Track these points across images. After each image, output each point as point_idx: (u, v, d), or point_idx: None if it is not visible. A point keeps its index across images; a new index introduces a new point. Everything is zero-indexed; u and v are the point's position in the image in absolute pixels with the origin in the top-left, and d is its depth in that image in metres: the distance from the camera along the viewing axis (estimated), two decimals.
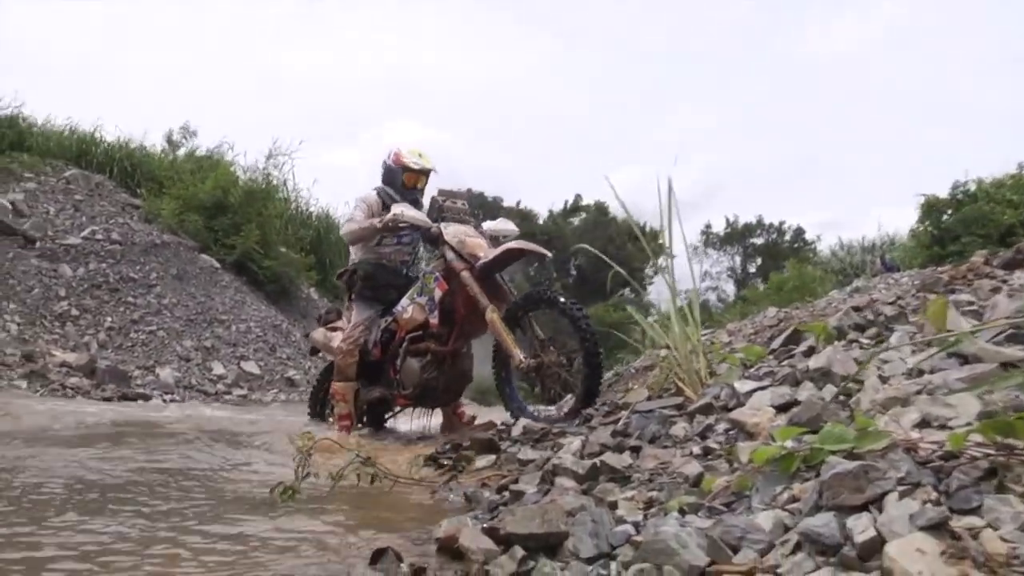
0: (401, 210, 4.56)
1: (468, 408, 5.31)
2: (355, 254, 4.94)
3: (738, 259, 43.28)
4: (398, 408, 5.02)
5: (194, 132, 16.27)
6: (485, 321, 4.45)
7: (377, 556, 1.56)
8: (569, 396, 4.01)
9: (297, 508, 2.23)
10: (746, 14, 78.18)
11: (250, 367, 10.21)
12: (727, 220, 43.15)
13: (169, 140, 16.05)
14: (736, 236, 42.72)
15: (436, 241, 4.55)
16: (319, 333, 5.29)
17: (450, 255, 4.42)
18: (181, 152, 16.01)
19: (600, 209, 38.98)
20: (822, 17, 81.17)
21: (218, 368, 9.81)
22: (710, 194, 63.61)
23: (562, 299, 3.94)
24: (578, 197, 41.63)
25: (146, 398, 7.73)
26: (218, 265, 12.30)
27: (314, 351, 5.84)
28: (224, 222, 12.90)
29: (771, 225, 42.32)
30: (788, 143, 75.02)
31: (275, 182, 15.13)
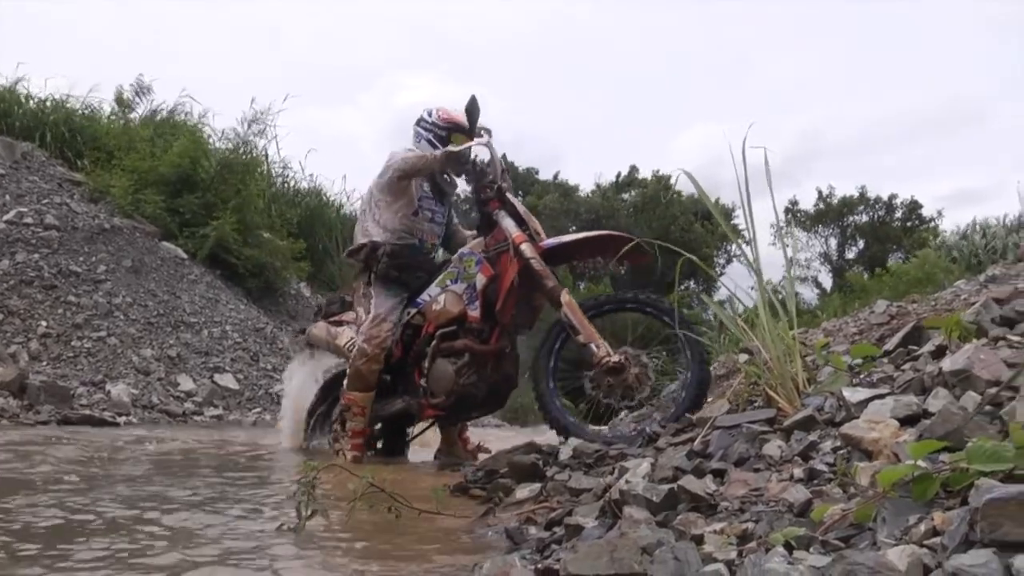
0: (489, 140, 4.64)
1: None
2: (373, 228, 4.88)
3: (833, 242, 42.84)
4: (426, 423, 5.01)
5: (148, 87, 16.11)
6: (535, 310, 4.51)
7: None
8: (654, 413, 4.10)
9: (300, 554, 2.24)
10: None
11: (226, 381, 10.31)
12: (819, 193, 42.72)
13: (119, 99, 15.91)
14: (831, 213, 42.24)
15: (487, 203, 4.56)
16: (320, 328, 5.23)
17: (507, 223, 4.43)
18: (137, 114, 15.95)
19: (661, 182, 38.79)
20: None
21: (186, 383, 9.91)
22: (806, 160, 62.99)
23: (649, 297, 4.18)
24: (634, 169, 41.43)
25: (96, 422, 7.66)
26: (185, 255, 12.36)
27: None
28: (192, 202, 12.97)
29: (877, 199, 41.79)
30: (908, 95, 73.96)
31: (257, 152, 15.12)
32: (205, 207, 12.98)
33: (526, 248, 4.28)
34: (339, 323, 5.15)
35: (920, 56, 73.02)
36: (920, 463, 1.53)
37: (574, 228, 38.13)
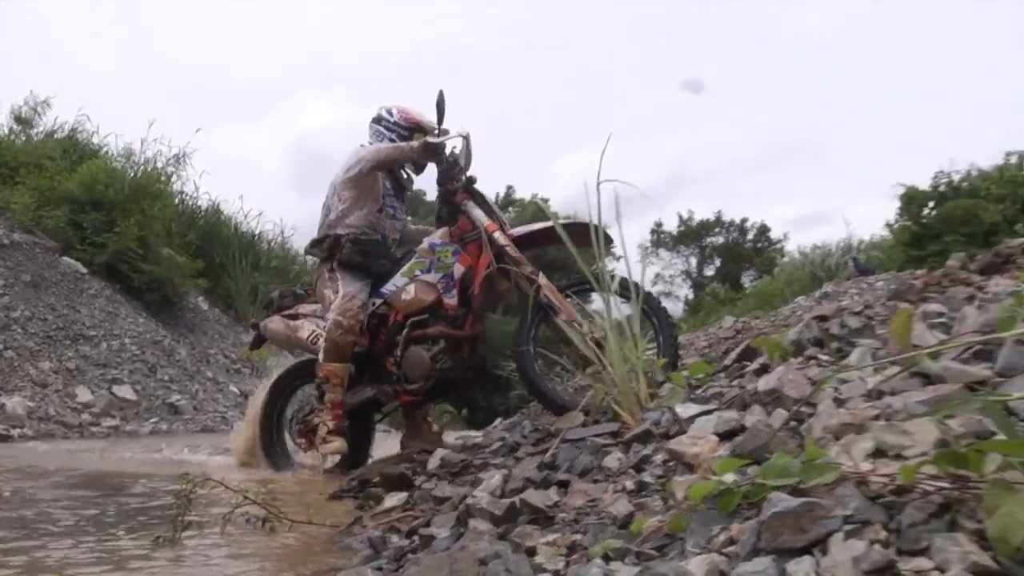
0: (468, 133, 4.54)
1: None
2: (335, 224, 4.71)
3: (694, 260, 44.12)
4: (396, 405, 4.77)
5: (44, 103, 15.47)
6: (499, 295, 4.45)
7: None
8: None
9: (165, 566, 2.18)
10: None
11: (124, 392, 9.95)
12: (680, 217, 43.97)
13: (17, 117, 15.22)
14: (691, 235, 43.50)
15: (454, 194, 4.45)
16: (277, 323, 4.90)
17: (477, 212, 4.35)
18: (38, 131, 15.30)
19: (538, 204, 39.18)
20: None
21: (84, 394, 9.52)
22: (677, 184, 64.80)
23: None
24: (510, 189, 41.76)
25: None
26: (84, 270, 11.89)
27: (257, 344, 5.31)
28: (95, 218, 12.50)
29: (731, 222, 43.21)
30: (775, 127, 76.67)
31: (163, 176, 14.74)
32: (108, 223, 12.55)
33: (499, 236, 4.22)
34: (295, 316, 4.86)
35: (776, 86, 75.90)
36: (725, 478, 1.59)
37: None
